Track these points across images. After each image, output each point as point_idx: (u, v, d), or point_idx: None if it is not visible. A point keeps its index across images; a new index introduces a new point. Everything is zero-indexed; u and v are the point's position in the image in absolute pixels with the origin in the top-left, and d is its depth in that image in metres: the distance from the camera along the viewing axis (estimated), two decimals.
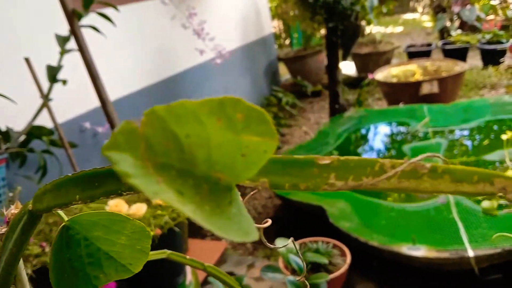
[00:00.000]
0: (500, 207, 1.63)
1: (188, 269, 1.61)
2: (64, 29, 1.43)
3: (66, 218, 0.25)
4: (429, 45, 4.65)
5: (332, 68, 3.13)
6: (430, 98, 3.05)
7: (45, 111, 1.50)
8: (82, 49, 1.39)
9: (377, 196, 1.90)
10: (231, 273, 1.81)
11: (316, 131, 2.95)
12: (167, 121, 0.13)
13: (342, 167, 0.17)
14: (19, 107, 1.44)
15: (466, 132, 2.50)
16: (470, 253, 1.41)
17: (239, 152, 0.14)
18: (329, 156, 0.17)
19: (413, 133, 2.57)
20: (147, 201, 1.40)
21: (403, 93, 3.19)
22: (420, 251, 1.46)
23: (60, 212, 0.25)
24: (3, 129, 1.42)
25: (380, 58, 4.43)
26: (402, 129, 2.73)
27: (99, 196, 0.19)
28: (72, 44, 1.42)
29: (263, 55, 3.99)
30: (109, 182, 0.18)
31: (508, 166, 1.88)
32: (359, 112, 2.99)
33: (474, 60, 4.43)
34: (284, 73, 4.78)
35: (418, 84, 3.12)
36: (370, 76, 3.49)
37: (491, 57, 3.98)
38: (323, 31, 3.31)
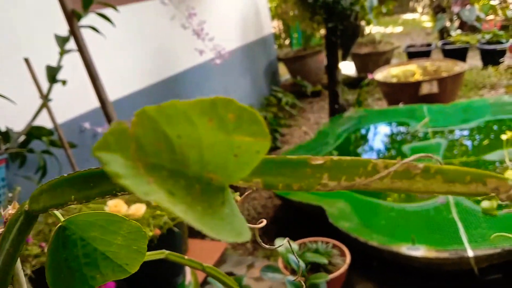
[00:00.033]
0: (500, 207, 1.63)
1: (188, 269, 1.61)
2: (63, 29, 1.43)
3: (62, 219, 0.25)
4: (428, 45, 4.65)
5: (332, 68, 3.13)
6: (429, 98, 3.05)
7: (44, 112, 1.50)
8: (82, 49, 1.40)
9: (376, 196, 1.90)
10: (231, 273, 1.81)
11: (315, 131, 2.95)
12: (158, 122, 0.13)
13: (335, 168, 0.17)
14: (18, 107, 1.44)
15: (465, 132, 2.50)
16: (470, 253, 1.41)
17: (231, 152, 0.14)
18: (329, 156, 0.17)
19: (413, 133, 2.57)
20: (147, 201, 1.40)
21: (403, 93, 3.19)
22: (419, 251, 1.46)
23: (57, 212, 0.25)
24: (3, 129, 1.42)
25: (380, 58, 4.43)
26: (402, 129, 2.73)
27: (94, 196, 0.19)
28: (71, 44, 1.42)
29: (263, 55, 3.99)
30: (104, 183, 0.18)
31: (507, 166, 1.88)
32: (359, 112, 2.99)
33: (474, 60, 4.43)
34: (284, 73, 4.78)
35: (417, 84, 3.12)
36: (369, 76, 3.49)
37: (491, 57, 3.98)
38: (322, 31, 3.31)
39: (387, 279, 1.66)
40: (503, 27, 4.57)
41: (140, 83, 2.36)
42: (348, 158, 0.17)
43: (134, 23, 2.34)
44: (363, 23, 3.96)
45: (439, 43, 4.62)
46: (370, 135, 2.81)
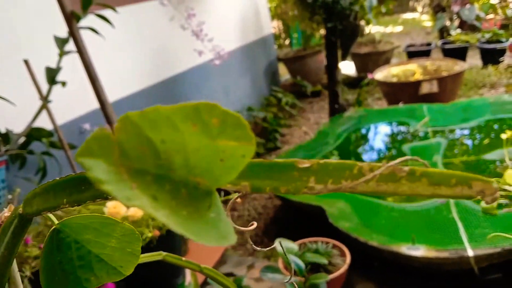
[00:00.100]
0: (500, 206, 1.63)
1: (188, 270, 1.61)
2: (63, 30, 1.43)
3: (56, 221, 0.25)
4: (428, 44, 4.65)
5: (332, 68, 3.13)
6: (429, 98, 3.05)
7: (44, 113, 1.50)
8: (81, 50, 1.40)
9: (376, 196, 1.90)
10: (231, 274, 1.81)
11: (315, 131, 2.95)
12: (141, 127, 0.13)
13: (322, 171, 0.17)
14: (18, 108, 1.44)
15: (466, 132, 2.50)
16: (470, 252, 1.41)
17: (217, 156, 0.15)
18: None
19: (413, 132, 2.57)
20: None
21: (403, 92, 3.19)
22: (419, 251, 1.46)
23: (51, 215, 0.25)
24: (3, 131, 1.42)
25: (380, 58, 4.43)
26: (402, 128, 2.73)
27: (85, 200, 0.19)
28: (71, 45, 1.42)
29: (262, 55, 3.99)
30: (95, 187, 0.18)
31: (508, 165, 1.88)
32: (359, 112, 2.99)
33: (474, 59, 4.43)
34: (284, 73, 4.78)
35: (417, 83, 3.12)
36: (369, 76, 3.49)
37: (491, 56, 3.97)
38: (322, 31, 3.31)
39: (387, 279, 1.66)
40: (503, 26, 4.57)
41: (139, 84, 2.37)
42: (334, 161, 0.17)
43: (133, 24, 2.34)
44: (362, 22, 3.96)
45: (439, 42, 4.61)
46: (370, 135, 2.81)
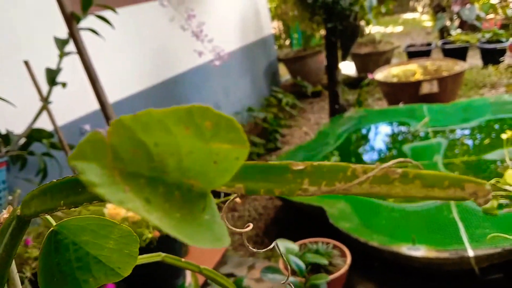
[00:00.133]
0: (501, 206, 1.63)
1: (188, 271, 1.61)
2: (63, 31, 1.43)
3: (54, 223, 0.25)
4: (429, 44, 4.65)
5: (332, 68, 3.13)
6: (430, 98, 3.05)
7: (45, 114, 1.50)
8: (81, 51, 1.40)
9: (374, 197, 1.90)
10: (231, 275, 1.81)
11: (316, 132, 2.95)
12: (134, 130, 0.13)
13: (315, 173, 0.17)
14: (19, 110, 1.45)
15: (466, 132, 2.50)
16: (470, 253, 1.40)
17: (210, 159, 0.15)
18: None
19: (413, 133, 2.57)
20: None
21: (403, 93, 3.19)
22: (420, 251, 1.46)
23: (49, 217, 0.25)
24: (3, 132, 1.43)
25: (380, 58, 4.43)
26: (402, 129, 2.73)
27: (82, 201, 0.19)
28: (71, 46, 1.42)
29: (262, 56, 3.99)
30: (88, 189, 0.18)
31: (508, 165, 1.88)
32: (359, 112, 2.99)
33: (474, 59, 4.42)
34: (284, 74, 4.78)
35: (418, 83, 3.11)
36: (370, 76, 3.49)
37: (491, 56, 3.97)
38: (322, 32, 3.31)
39: (388, 280, 1.66)
40: (503, 26, 4.56)
41: (139, 85, 2.37)
42: (328, 163, 0.17)
43: (133, 25, 2.34)
44: (362, 23, 3.96)
45: (439, 42, 4.61)
46: (370, 135, 2.81)
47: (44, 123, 1.54)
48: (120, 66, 2.23)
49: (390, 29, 7.36)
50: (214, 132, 0.14)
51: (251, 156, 2.99)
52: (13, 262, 0.30)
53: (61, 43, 1.43)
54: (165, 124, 0.13)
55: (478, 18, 4.52)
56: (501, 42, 3.95)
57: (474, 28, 4.62)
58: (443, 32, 4.84)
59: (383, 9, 4.25)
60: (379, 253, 1.56)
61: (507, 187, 1.66)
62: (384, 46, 4.58)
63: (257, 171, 0.17)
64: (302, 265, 1.44)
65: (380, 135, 2.79)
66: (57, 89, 1.48)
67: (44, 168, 1.52)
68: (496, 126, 2.48)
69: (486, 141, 2.35)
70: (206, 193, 0.16)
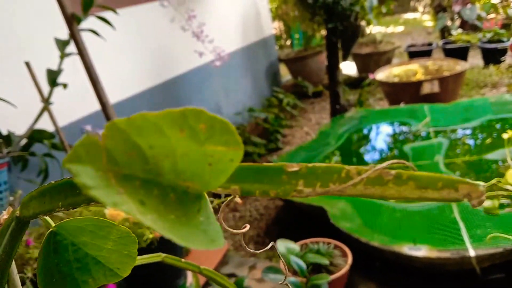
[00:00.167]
0: (502, 206, 1.63)
1: (189, 271, 1.61)
2: (63, 32, 1.44)
3: (53, 224, 0.25)
4: (429, 44, 4.64)
5: (333, 68, 3.13)
6: (431, 98, 3.05)
7: (46, 115, 1.50)
8: (82, 52, 1.40)
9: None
10: (232, 275, 1.81)
11: (317, 132, 2.95)
12: (129, 133, 0.13)
13: (310, 174, 0.17)
14: (20, 110, 1.45)
15: (467, 132, 2.50)
16: (471, 252, 1.40)
17: (205, 161, 0.15)
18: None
19: (415, 133, 2.57)
20: None
21: (404, 93, 3.19)
22: (421, 251, 1.46)
23: (47, 218, 0.25)
24: (5, 133, 1.43)
25: (381, 58, 4.42)
26: (404, 129, 2.72)
27: (81, 203, 0.19)
28: (72, 47, 1.43)
29: (263, 56, 3.99)
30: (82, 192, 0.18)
31: (509, 165, 1.88)
32: (360, 112, 2.99)
33: (475, 59, 4.42)
34: (285, 74, 4.78)
35: (419, 83, 3.11)
36: (371, 76, 3.49)
37: (492, 56, 3.97)
38: (323, 32, 3.32)
39: (389, 280, 1.66)
40: (504, 26, 4.56)
41: (140, 86, 2.37)
42: (322, 165, 0.17)
43: (133, 26, 2.34)
44: (363, 23, 3.95)
45: (440, 42, 4.61)
46: (371, 135, 2.81)
47: (45, 124, 1.54)
48: (121, 67, 2.23)
49: (391, 29, 7.35)
50: (208, 134, 0.14)
51: (252, 156, 2.99)
52: (13, 263, 0.30)
53: (62, 44, 1.44)
54: (160, 127, 0.14)
55: (479, 17, 4.52)
56: (502, 41, 3.94)
57: (475, 28, 4.61)
58: (444, 32, 4.84)
59: (383, 9, 4.24)
60: (380, 253, 1.56)
61: (508, 187, 1.66)
62: (385, 46, 4.58)
63: (252, 173, 0.17)
64: (303, 265, 1.45)
65: (381, 135, 2.79)
66: (58, 90, 1.48)
67: (46, 169, 1.53)
68: (498, 126, 2.48)
69: (487, 141, 2.35)
70: (202, 195, 0.16)
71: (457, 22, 4.82)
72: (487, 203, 1.72)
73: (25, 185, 1.56)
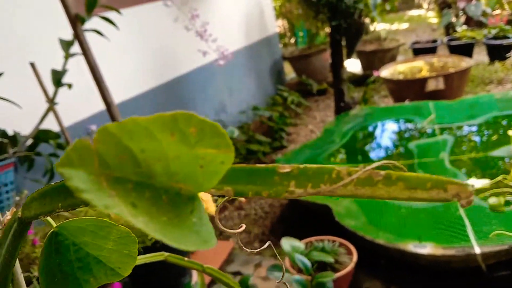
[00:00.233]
0: (508, 203, 1.62)
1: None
2: (68, 33, 1.44)
3: (54, 224, 0.26)
4: (434, 41, 4.62)
5: (337, 66, 3.12)
6: (436, 95, 3.03)
7: (51, 115, 1.51)
8: (86, 52, 1.41)
9: None
10: (238, 273, 1.82)
11: (322, 130, 2.95)
12: (120, 137, 0.14)
13: (302, 175, 0.17)
14: (25, 111, 1.46)
15: (473, 128, 2.49)
16: (477, 250, 1.40)
17: (196, 164, 0.15)
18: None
19: (420, 130, 2.56)
20: None
21: (409, 90, 3.18)
22: (426, 249, 1.46)
23: (49, 218, 0.26)
24: (10, 133, 1.44)
25: (386, 55, 4.41)
26: (409, 126, 2.72)
27: (80, 204, 0.19)
28: (76, 48, 1.43)
29: (267, 54, 3.99)
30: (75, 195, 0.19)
31: None
32: (365, 110, 2.98)
33: (480, 55, 4.39)
34: (289, 72, 4.78)
35: (423, 80, 3.10)
36: (375, 74, 3.48)
37: (498, 52, 3.94)
38: (327, 30, 3.31)
39: (394, 277, 1.65)
40: (510, 22, 4.53)
41: (144, 85, 2.38)
42: (314, 166, 0.17)
43: (137, 26, 2.35)
44: (367, 20, 3.94)
45: (445, 39, 4.58)
46: (376, 133, 2.80)
47: (50, 124, 1.55)
48: (125, 67, 2.24)
49: (395, 26, 7.32)
50: (199, 137, 0.14)
51: (257, 155, 2.99)
52: (17, 262, 0.31)
53: (66, 45, 1.45)
54: (151, 131, 0.14)
55: (484, 14, 4.49)
56: (508, 38, 3.91)
57: (480, 24, 4.58)
58: (449, 28, 4.81)
59: (387, 7, 4.23)
60: (386, 251, 1.56)
61: None
62: (390, 43, 4.56)
63: (245, 174, 0.17)
64: (308, 263, 1.45)
65: (386, 132, 2.78)
66: (63, 90, 1.49)
67: (51, 169, 1.54)
68: (503, 123, 2.46)
69: (493, 137, 2.34)
70: (195, 196, 0.16)
71: (462, 19, 4.80)
72: (493, 200, 1.71)
73: (31, 185, 1.58)
